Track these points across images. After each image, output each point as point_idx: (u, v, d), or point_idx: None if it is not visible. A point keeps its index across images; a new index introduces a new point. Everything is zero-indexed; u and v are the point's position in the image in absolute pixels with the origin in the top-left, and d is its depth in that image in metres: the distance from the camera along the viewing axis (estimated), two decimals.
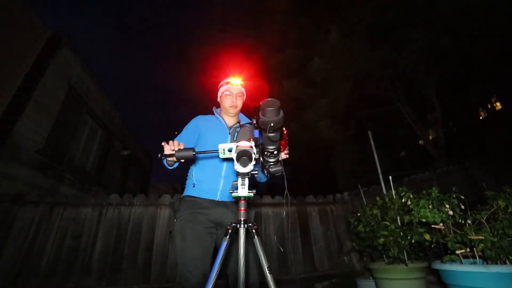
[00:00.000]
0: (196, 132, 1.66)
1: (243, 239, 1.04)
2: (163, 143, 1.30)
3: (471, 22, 6.87)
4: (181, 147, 1.28)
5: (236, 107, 1.67)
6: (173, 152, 1.23)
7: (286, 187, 1.24)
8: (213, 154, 1.56)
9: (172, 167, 1.53)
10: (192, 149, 1.22)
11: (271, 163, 1.14)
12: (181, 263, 1.38)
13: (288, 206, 4.04)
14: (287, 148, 1.36)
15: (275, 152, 1.11)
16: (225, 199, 1.52)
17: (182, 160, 1.31)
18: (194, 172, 1.59)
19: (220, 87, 1.70)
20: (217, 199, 1.51)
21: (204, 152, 1.29)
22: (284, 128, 1.10)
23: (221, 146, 1.12)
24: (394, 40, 7.58)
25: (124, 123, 8.87)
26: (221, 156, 1.12)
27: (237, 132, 1.61)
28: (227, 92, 1.65)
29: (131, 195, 3.74)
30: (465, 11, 6.68)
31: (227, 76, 1.68)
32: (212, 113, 1.77)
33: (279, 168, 1.16)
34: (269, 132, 1.01)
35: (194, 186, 1.56)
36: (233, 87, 1.65)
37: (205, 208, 1.47)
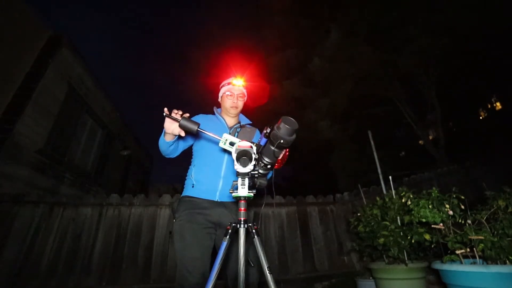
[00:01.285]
0: None
1: (243, 239, 1.04)
2: (165, 108, 1.24)
3: (471, 22, 6.87)
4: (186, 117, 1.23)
5: (237, 107, 1.66)
6: (179, 118, 1.19)
7: (264, 202, 1.28)
8: (211, 153, 1.56)
9: (167, 146, 1.44)
10: (198, 124, 1.18)
11: (259, 174, 1.14)
12: (180, 263, 1.38)
13: (274, 208, 4.03)
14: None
15: (269, 166, 1.11)
16: (224, 199, 1.52)
17: (182, 134, 1.26)
18: (193, 172, 1.59)
19: (221, 87, 1.69)
20: (216, 200, 1.50)
21: (207, 132, 1.23)
22: (287, 150, 1.11)
23: (225, 136, 1.11)
24: (394, 40, 7.58)
25: (124, 123, 8.87)
26: (221, 144, 1.11)
27: (237, 132, 1.61)
28: (228, 93, 1.65)
29: (131, 195, 3.74)
30: (465, 11, 6.68)
31: (229, 76, 1.67)
32: (213, 113, 1.76)
33: (263, 181, 1.16)
34: (276, 147, 1.01)
35: (193, 187, 1.55)
36: (234, 88, 1.64)
37: (204, 208, 1.47)
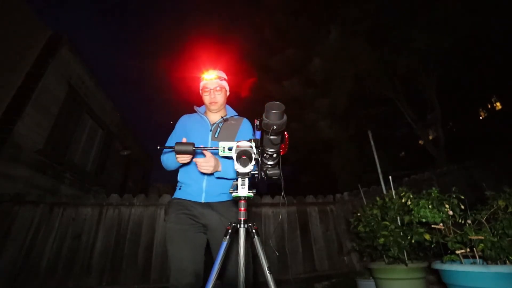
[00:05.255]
0: (184, 133, 1.62)
1: (243, 239, 1.04)
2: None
3: (471, 22, 6.87)
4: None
5: (216, 103, 1.58)
6: (173, 146, 1.22)
7: (283, 190, 1.23)
8: (197, 154, 1.54)
9: (170, 168, 1.53)
10: (192, 144, 1.21)
11: (269, 166, 1.13)
12: (172, 265, 1.38)
13: (285, 207, 4.04)
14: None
15: (274, 155, 1.10)
16: (210, 200, 1.49)
17: (185, 160, 1.31)
18: (180, 175, 1.58)
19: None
20: (201, 201, 1.48)
21: (203, 148, 1.29)
22: (286, 132, 1.10)
23: (221, 144, 1.11)
24: (394, 40, 7.58)
25: (124, 123, 8.87)
26: (221, 154, 1.11)
27: (219, 128, 1.57)
28: (206, 89, 1.57)
29: (131, 195, 3.73)
30: (465, 11, 6.68)
31: (201, 71, 1.58)
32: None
33: (276, 171, 1.15)
34: (271, 135, 1.01)
35: (180, 189, 1.55)
36: (209, 82, 1.56)
37: (190, 209, 1.46)
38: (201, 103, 1.69)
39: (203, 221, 1.46)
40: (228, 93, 1.67)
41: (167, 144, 1.60)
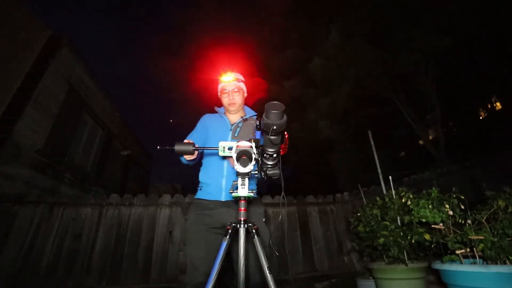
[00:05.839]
0: (205, 131, 1.66)
1: (243, 239, 1.04)
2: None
3: (471, 22, 6.87)
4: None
5: (234, 104, 1.63)
6: (173, 147, 1.23)
7: (283, 190, 1.23)
8: (214, 151, 1.58)
9: (187, 163, 1.54)
10: (192, 143, 1.23)
11: (269, 166, 1.14)
12: (188, 263, 1.41)
13: (285, 207, 4.04)
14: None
15: (274, 155, 1.11)
16: (230, 198, 1.50)
17: (190, 158, 1.33)
18: (200, 175, 1.61)
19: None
20: (222, 200, 1.49)
21: (203, 148, 1.33)
22: (285, 132, 1.10)
23: (221, 144, 1.12)
24: (394, 40, 7.58)
25: (124, 123, 8.87)
26: (221, 154, 1.12)
27: (239, 127, 1.60)
28: (224, 90, 1.63)
29: (131, 195, 3.73)
30: (465, 11, 6.68)
31: (219, 74, 1.65)
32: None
33: (276, 171, 1.15)
34: (271, 135, 1.01)
35: (201, 189, 1.57)
36: (227, 84, 1.62)
37: (210, 209, 1.48)
38: (214, 104, 1.75)
39: (221, 219, 1.47)
40: (245, 94, 1.71)
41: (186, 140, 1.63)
